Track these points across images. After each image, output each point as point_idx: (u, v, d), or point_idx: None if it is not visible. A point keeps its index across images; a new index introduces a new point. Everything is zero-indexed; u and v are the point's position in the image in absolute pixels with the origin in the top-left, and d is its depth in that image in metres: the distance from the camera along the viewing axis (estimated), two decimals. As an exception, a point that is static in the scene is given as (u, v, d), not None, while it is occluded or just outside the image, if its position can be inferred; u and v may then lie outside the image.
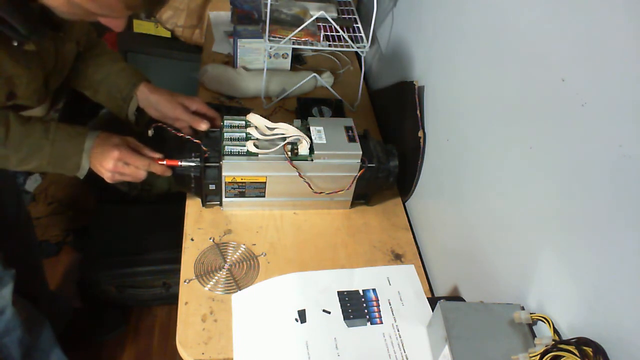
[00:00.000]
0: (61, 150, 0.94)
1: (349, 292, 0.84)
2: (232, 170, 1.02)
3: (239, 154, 1.01)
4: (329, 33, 1.32)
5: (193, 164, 1.01)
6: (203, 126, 1.05)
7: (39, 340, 1.31)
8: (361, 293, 0.84)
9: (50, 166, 0.95)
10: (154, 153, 1.00)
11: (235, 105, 1.37)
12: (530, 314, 0.71)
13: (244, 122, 1.06)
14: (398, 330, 0.80)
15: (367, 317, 0.81)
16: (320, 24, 1.33)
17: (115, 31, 0.80)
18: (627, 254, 0.56)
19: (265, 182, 1.06)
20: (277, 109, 1.39)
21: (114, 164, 0.95)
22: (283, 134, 1.02)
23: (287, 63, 1.46)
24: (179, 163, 1.01)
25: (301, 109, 1.35)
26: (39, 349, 1.31)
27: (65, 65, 1.01)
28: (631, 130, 0.55)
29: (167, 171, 1.01)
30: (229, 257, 1.02)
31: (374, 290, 0.84)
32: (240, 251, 1.04)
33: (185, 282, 0.97)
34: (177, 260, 1.01)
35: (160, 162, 0.99)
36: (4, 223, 1.30)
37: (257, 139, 1.02)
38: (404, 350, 0.77)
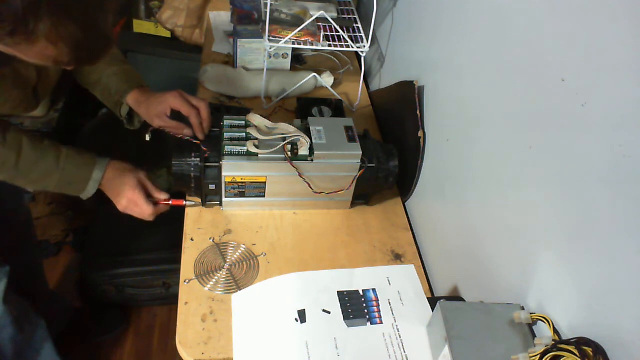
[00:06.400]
0: (69, 178, 0.99)
1: (349, 292, 0.84)
2: (232, 170, 1.02)
3: (239, 154, 1.01)
4: (329, 33, 1.32)
5: (194, 203, 1.08)
6: (186, 132, 1.05)
7: (32, 338, 1.31)
8: (361, 293, 0.84)
9: (57, 189, 1.00)
10: (160, 194, 1.06)
11: (235, 105, 1.37)
12: (530, 314, 0.71)
13: (244, 122, 1.06)
14: (398, 330, 0.80)
15: (367, 317, 0.81)
16: (320, 24, 1.32)
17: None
18: (627, 253, 0.56)
19: (265, 182, 1.06)
20: (277, 109, 1.39)
21: (126, 204, 1.03)
22: (283, 134, 1.02)
23: (287, 63, 1.46)
24: (184, 203, 1.08)
25: (301, 109, 1.35)
26: (32, 347, 1.31)
27: (51, 76, 1.02)
28: (631, 130, 0.55)
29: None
30: (229, 257, 1.02)
31: (374, 290, 0.84)
32: (240, 251, 1.04)
33: (185, 282, 0.97)
34: (177, 260, 1.01)
35: (165, 203, 1.07)
36: (1, 219, 1.29)
37: (257, 139, 1.02)
38: (404, 350, 0.77)
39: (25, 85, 0.95)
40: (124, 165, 1.04)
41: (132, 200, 1.03)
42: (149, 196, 1.05)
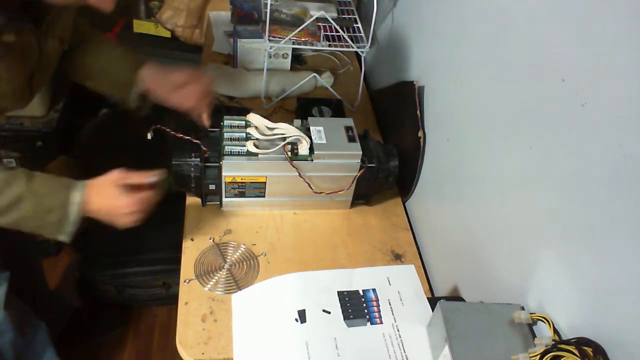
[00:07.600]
0: (44, 202, 0.87)
1: (349, 292, 0.84)
2: (232, 170, 1.02)
3: (239, 154, 1.01)
4: (329, 33, 1.32)
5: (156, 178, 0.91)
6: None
7: (33, 342, 1.30)
8: (361, 293, 0.84)
9: (34, 222, 0.88)
10: (142, 176, 0.91)
11: (235, 105, 1.37)
12: (530, 314, 0.71)
13: (244, 122, 1.06)
14: (398, 330, 0.80)
15: (367, 317, 0.81)
16: (320, 24, 1.33)
17: (106, 11, 0.77)
18: (627, 253, 0.56)
19: (265, 182, 1.06)
20: (277, 109, 1.39)
21: (120, 215, 0.91)
22: (283, 134, 1.02)
23: (287, 63, 1.46)
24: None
25: (301, 109, 1.35)
26: (32, 351, 1.30)
27: (50, 63, 0.98)
28: (631, 130, 0.55)
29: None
30: (229, 257, 1.02)
31: (374, 290, 0.84)
32: (240, 251, 1.04)
33: (185, 282, 0.97)
34: (177, 260, 1.01)
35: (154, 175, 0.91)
36: None
37: (257, 139, 1.02)
38: (404, 350, 0.77)
39: (25, 67, 0.91)
40: (97, 183, 0.91)
41: (131, 199, 0.89)
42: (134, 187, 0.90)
